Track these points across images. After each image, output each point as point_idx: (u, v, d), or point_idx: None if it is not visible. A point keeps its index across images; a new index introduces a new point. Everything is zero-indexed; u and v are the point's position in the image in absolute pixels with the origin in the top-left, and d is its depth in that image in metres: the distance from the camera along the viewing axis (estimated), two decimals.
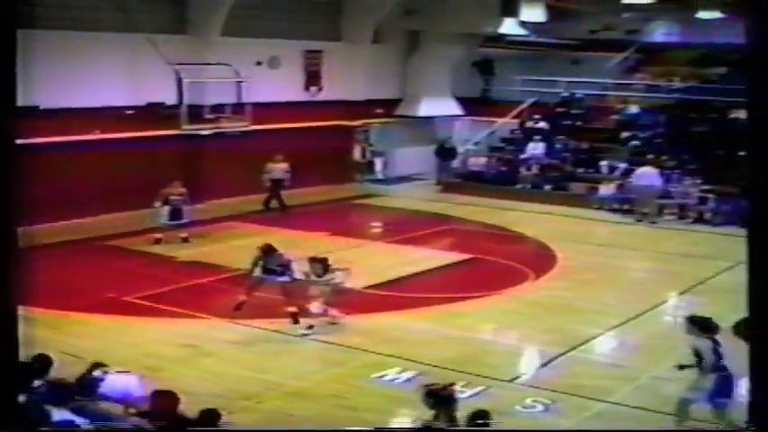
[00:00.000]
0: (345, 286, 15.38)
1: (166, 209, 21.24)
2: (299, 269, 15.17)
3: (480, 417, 8.64)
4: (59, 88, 22.28)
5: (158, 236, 21.22)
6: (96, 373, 10.21)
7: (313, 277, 14.90)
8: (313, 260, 15.08)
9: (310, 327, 14.86)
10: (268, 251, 15.33)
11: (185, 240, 21.33)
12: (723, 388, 10.58)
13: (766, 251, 6.05)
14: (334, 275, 15.05)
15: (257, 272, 15.20)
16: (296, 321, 15.03)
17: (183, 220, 21.51)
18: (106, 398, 9.86)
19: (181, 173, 22.55)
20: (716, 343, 10.69)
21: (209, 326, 15.35)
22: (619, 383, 12.91)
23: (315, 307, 14.83)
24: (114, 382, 10.13)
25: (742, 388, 10.15)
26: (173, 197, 21.30)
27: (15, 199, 6.25)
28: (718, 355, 10.59)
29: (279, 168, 26.11)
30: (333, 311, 15.05)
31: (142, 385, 10.25)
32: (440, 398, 8.79)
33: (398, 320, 15.94)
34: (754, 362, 6.30)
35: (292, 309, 15.15)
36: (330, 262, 15.18)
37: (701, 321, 10.95)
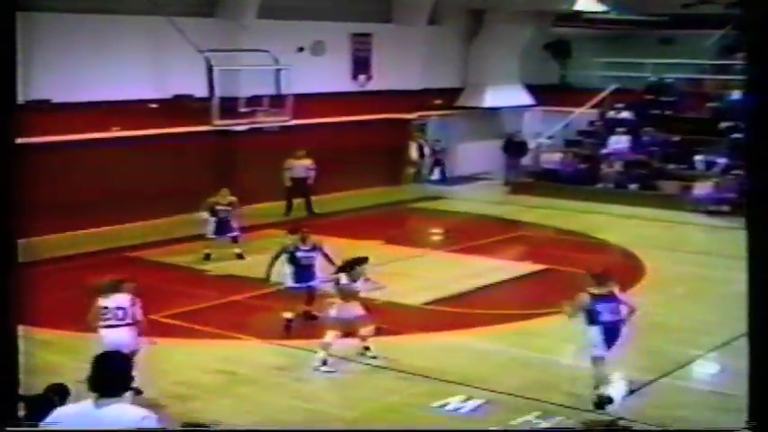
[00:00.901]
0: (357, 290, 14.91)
1: (213, 220, 21.05)
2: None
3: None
4: (73, 80, 22.56)
5: (207, 251, 21.11)
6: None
7: (361, 282, 14.71)
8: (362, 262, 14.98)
9: (367, 348, 14.78)
10: (296, 230, 16.33)
11: (240, 257, 21.02)
12: (606, 338, 12.59)
13: (766, 250, 6.15)
14: (363, 283, 14.81)
15: (288, 274, 15.83)
16: (313, 318, 15.87)
17: (234, 234, 21.26)
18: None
19: (212, 174, 22.67)
20: (601, 299, 12.62)
21: (248, 348, 15.44)
22: (722, 414, 12.65)
23: (330, 337, 14.45)
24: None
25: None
26: (219, 207, 21.06)
27: (16, 205, 6.27)
28: (600, 309, 12.57)
29: (301, 165, 26.20)
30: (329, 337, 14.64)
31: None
32: None
33: (463, 340, 15.89)
34: (754, 361, 6.47)
35: (309, 308, 16.16)
36: (369, 276, 14.99)
37: (597, 276, 13.00)
